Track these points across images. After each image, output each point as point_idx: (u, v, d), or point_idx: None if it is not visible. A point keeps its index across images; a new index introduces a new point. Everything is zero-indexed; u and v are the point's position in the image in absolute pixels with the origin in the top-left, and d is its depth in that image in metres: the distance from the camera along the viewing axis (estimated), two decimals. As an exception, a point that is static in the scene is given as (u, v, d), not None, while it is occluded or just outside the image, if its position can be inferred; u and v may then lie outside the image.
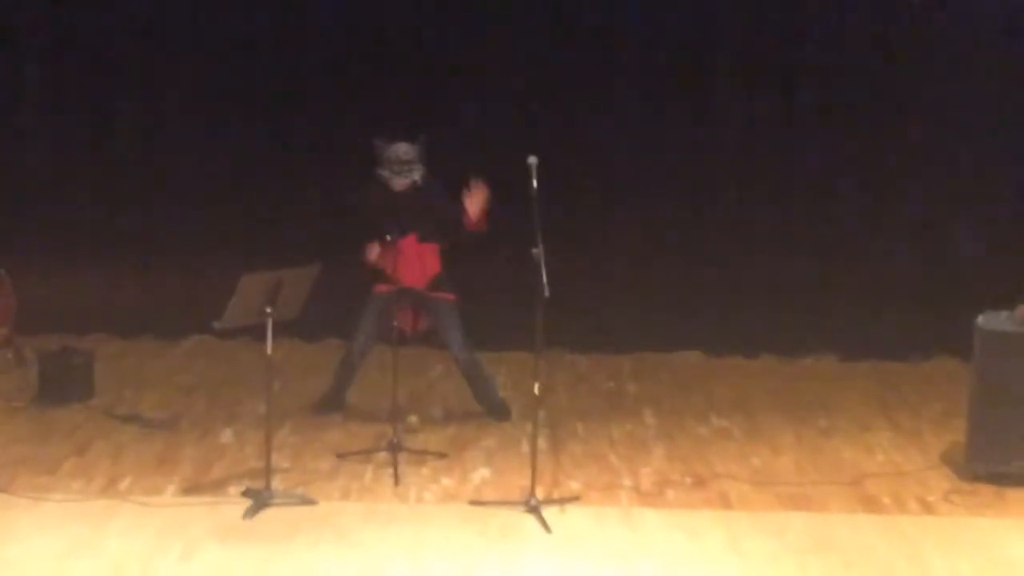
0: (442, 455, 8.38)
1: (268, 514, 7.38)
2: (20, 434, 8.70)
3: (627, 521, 7.40)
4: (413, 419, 9.01)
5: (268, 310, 7.50)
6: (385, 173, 8.73)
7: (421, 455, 8.33)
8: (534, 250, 7.46)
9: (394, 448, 8.11)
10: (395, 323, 8.35)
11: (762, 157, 11.39)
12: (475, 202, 8.63)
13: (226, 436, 8.73)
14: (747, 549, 7.03)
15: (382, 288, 8.71)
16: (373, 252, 8.64)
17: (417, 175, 8.72)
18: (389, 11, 11.43)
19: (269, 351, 7.61)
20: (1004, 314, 8.08)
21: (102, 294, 11.48)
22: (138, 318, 11.28)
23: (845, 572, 6.80)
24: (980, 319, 8.04)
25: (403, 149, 8.72)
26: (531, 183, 7.64)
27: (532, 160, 7.67)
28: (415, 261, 8.72)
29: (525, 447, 8.38)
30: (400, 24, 11.45)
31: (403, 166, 8.70)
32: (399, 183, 8.71)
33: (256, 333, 7.95)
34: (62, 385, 9.40)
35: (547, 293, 7.36)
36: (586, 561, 6.89)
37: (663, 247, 11.31)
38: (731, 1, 11.41)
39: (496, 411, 9.12)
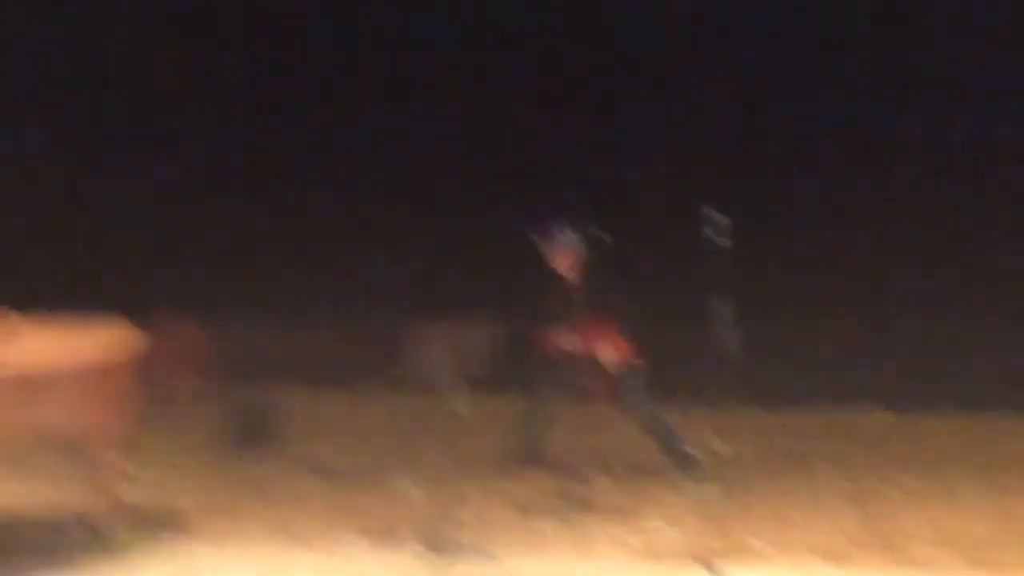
0: (623, 511, 8.34)
1: (449, 567, 7.41)
2: (206, 482, 8.88)
3: (810, 582, 7.28)
4: (593, 474, 8.98)
5: (452, 364, 7.56)
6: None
7: (602, 511, 8.30)
8: (719, 306, 7.40)
9: (575, 503, 8.09)
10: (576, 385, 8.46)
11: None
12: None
13: (409, 488, 8.79)
14: (936, 614, 6.86)
15: (560, 350, 8.82)
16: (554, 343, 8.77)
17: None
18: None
19: (453, 404, 7.65)
20: None
21: (291, 344, 11.70)
22: (325, 369, 11.45)
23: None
24: None
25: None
26: (711, 234, 7.56)
27: (708, 211, 7.58)
28: (600, 339, 8.80)
29: (706, 504, 8.28)
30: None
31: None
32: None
33: (440, 386, 8.02)
34: (249, 434, 9.58)
35: (733, 348, 7.29)
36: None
37: (844, 303, 11.16)
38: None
39: (685, 464, 9.02)
